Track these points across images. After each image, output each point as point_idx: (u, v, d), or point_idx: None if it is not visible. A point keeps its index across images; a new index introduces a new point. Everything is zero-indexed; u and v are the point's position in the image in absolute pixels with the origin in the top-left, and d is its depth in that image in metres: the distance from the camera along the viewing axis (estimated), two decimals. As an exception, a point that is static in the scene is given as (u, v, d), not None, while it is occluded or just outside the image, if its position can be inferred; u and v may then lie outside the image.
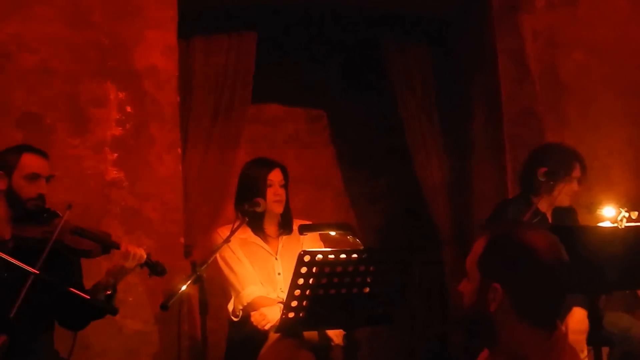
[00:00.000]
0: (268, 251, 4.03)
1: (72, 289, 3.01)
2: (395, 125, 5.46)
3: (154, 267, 3.39)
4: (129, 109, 4.31)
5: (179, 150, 4.44)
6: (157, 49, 4.39)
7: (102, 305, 3.26)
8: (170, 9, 4.45)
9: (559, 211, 4.30)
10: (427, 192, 5.36)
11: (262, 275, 3.95)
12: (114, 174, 4.26)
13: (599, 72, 5.10)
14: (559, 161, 4.26)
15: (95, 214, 4.12)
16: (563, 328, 3.90)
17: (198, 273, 3.24)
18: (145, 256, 3.34)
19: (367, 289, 3.30)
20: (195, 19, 4.81)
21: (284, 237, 4.09)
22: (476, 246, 2.03)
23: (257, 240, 4.04)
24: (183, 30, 4.64)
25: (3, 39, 4.16)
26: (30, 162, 3.34)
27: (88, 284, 3.48)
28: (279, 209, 4.02)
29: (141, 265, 3.36)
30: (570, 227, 3.95)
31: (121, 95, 4.31)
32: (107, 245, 3.36)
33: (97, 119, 4.26)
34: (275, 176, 4.02)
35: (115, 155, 4.27)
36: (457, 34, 5.50)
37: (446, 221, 5.32)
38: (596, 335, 3.53)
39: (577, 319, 3.95)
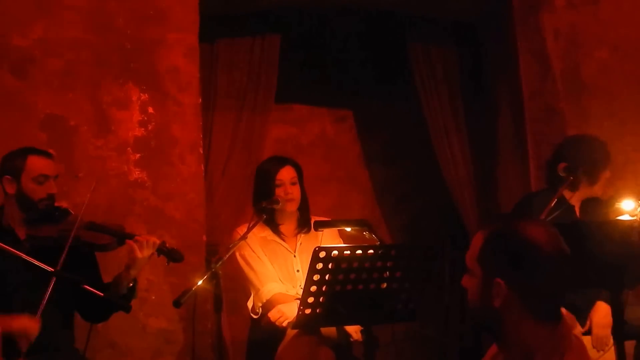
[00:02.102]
0: (287, 249, 3.95)
1: (86, 286, 2.97)
2: (420, 124, 5.36)
3: (170, 254, 3.32)
4: (151, 110, 4.26)
5: (201, 151, 4.37)
6: (179, 51, 4.34)
7: (116, 302, 3.19)
8: (192, 12, 4.40)
9: (587, 203, 4.12)
10: (453, 189, 5.25)
11: (282, 273, 3.87)
12: (136, 174, 4.21)
13: (621, 70, 4.97)
14: (578, 153, 4.09)
15: (119, 214, 4.06)
16: (588, 322, 3.80)
17: (213, 270, 3.15)
18: (158, 242, 3.28)
19: (385, 285, 3.19)
20: (219, 22, 4.77)
21: (303, 234, 3.98)
22: (475, 241, 1.98)
23: (276, 238, 3.96)
24: (207, 33, 4.60)
25: (28, 44, 4.14)
26: (36, 165, 3.31)
27: (107, 277, 3.44)
28: (291, 207, 3.92)
29: (158, 253, 3.30)
30: (589, 222, 3.81)
31: (143, 96, 4.26)
32: (122, 237, 3.31)
33: (119, 121, 4.21)
34: (285, 174, 3.91)
35: (138, 155, 4.22)
36: (482, 35, 5.44)
37: (473, 217, 5.19)
38: (620, 329, 3.39)
39: (602, 313, 3.82)
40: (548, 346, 1.88)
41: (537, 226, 1.96)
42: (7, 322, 2.99)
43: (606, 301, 3.79)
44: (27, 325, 2.97)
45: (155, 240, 3.28)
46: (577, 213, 4.11)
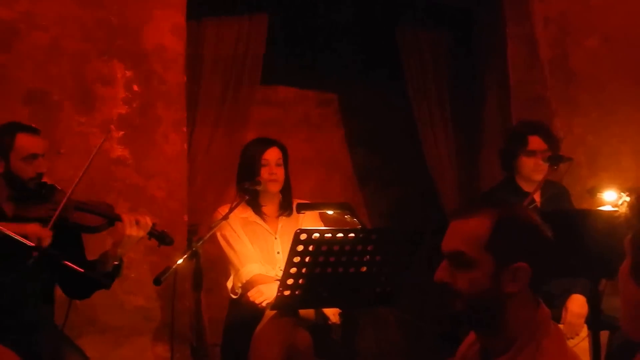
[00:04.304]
0: (268, 230, 3.98)
1: (67, 262, 2.98)
2: (406, 109, 5.38)
3: (162, 237, 3.35)
4: (135, 87, 4.27)
5: (185, 130, 4.39)
6: (166, 28, 4.34)
7: (96, 278, 3.21)
8: (179, -11, 4.39)
9: (550, 193, 4.20)
10: (435, 176, 5.29)
11: (262, 254, 3.91)
12: (119, 151, 4.22)
13: (610, 59, 5.01)
14: (511, 137, 4.27)
15: (100, 191, 4.07)
16: (563, 312, 3.88)
17: (194, 249, 3.18)
18: (150, 224, 3.30)
19: (364, 269, 3.23)
20: (206, 0, 4.75)
21: (284, 217, 4.02)
22: (473, 230, 1.91)
23: (257, 219, 3.99)
24: (194, 12, 4.59)
25: (14, 17, 4.11)
26: (26, 143, 3.27)
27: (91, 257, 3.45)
28: (274, 187, 3.95)
29: (149, 236, 3.32)
30: (571, 211, 3.88)
31: (128, 74, 4.26)
32: (112, 219, 3.32)
33: (104, 98, 4.21)
34: (271, 155, 3.94)
35: (122, 133, 4.23)
36: (471, 20, 5.45)
37: (454, 204, 5.19)
38: (596, 319, 3.47)
39: (578, 303, 3.91)
40: (529, 331, 1.89)
41: (529, 211, 2.00)
42: (20, 227, 2.97)
43: (582, 293, 3.88)
44: (40, 232, 2.98)
45: (149, 221, 3.29)
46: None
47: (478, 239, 1.90)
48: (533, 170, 4.14)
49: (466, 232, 1.93)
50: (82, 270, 3.02)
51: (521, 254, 1.89)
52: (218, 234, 3.84)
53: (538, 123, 4.28)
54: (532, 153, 4.15)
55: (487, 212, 1.93)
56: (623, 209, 3.21)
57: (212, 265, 4.26)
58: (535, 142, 4.15)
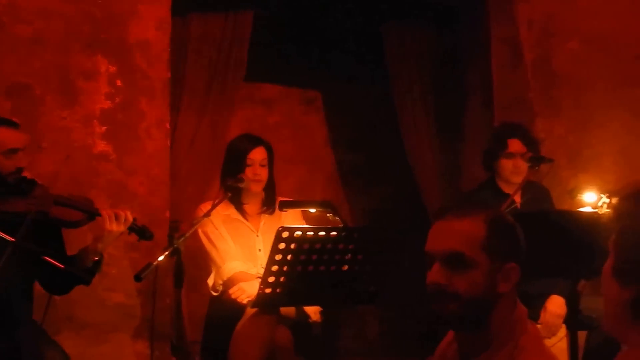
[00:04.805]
0: (250, 228, 3.97)
1: (47, 257, 2.97)
2: (390, 108, 5.40)
3: (142, 232, 3.35)
4: (119, 82, 4.26)
5: (168, 126, 4.38)
6: (150, 23, 4.33)
7: (76, 274, 3.20)
8: (165, -15, 4.38)
9: (531, 194, 4.23)
10: (418, 175, 5.32)
11: (244, 252, 3.89)
12: (102, 147, 4.21)
13: (594, 62, 5.03)
14: (492, 139, 4.32)
15: (82, 187, 4.05)
16: (542, 312, 3.91)
17: (175, 246, 3.16)
18: (131, 219, 3.30)
19: (346, 267, 3.24)
20: (192, -4, 4.75)
21: (266, 215, 4.02)
22: (470, 231, 1.91)
23: (239, 217, 3.97)
24: (179, 7, 4.59)
25: (-3, 10, 4.10)
26: (5, 137, 3.24)
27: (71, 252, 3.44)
28: (257, 187, 3.94)
29: (129, 231, 3.32)
30: (551, 212, 3.91)
31: (112, 68, 4.25)
32: (92, 213, 3.31)
33: (86, 92, 4.20)
34: (257, 155, 3.92)
35: (104, 128, 4.22)
36: (456, 20, 5.47)
37: (436, 204, 5.23)
38: (574, 319, 3.51)
39: (556, 303, 3.93)
40: (506, 330, 1.90)
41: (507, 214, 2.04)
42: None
43: (561, 294, 3.91)
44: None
45: (129, 216, 3.29)
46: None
47: (476, 240, 1.90)
48: (512, 172, 4.19)
49: (463, 232, 1.92)
50: (62, 265, 3.00)
51: (512, 255, 1.92)
52: (200, 231, 3.82)
53: (518, 125, 4.32)
54: (511, 155, 4.19)
55: (478, 213, 1.95)
56: (603, 211, 3.27)
57: (194, 262, 4.22)
58: (515, 145, 4.19)
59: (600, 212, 3.29)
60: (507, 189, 4.18)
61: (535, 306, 3.90)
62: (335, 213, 3.51)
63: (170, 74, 4.41)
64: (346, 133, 5.94)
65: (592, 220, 3.32)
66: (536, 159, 4.07)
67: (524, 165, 4.13)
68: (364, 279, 3.33)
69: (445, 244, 1.93)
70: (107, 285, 4.10)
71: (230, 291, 3.68)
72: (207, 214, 3.50)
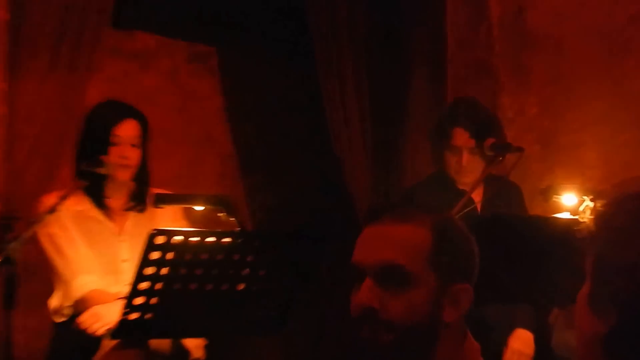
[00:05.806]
0: (111, 230, 3.93)
1: None
2: (310, 78, 5.44)
3: None
4: None
5: (4, 85, 4.35)
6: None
7: None
8: None
9: (495, 191, 4.27)
10: (343, 163, 5.40)
11: (102, 262, 3.85)
12: None
13: (577, 21, 5.13)
14: (435, 127, 4.36)
15: None
16: (504, 350, 3.97)
17: (6, 252, 3.13)
18: None
19: (243, 286, 3.26)
20: None
21: (135, 212, 3.97)
22: (412, 239, 1.94)
23: (98, 214, 3.92)
24: None
25: None
26: None
27: None
28: (123, 175, 3.88)
29: None
30: (517, 217, 3.95)
31: None
32: None
33: None
34: (126, 130, 3.86)
35: None
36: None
37: (367, 202, 5.30)
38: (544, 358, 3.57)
39: (522, 340, 3.99)
40: None
41: (460, 220, 2.05)
42: None
43: (527, 327, 3.97)
44: None
45: None
46: None
47: (420, 251, 1.94)
48: (456, 171, 4.19)
49: (403, 241, 1.95)
50: None
51: (464, 272, 1.96)
52: (41, 233, 3.75)
53: (470, 106, 4.29)
54: (455, 150, 4.18)
55: (422, 218, 1.97)
56: (585, 218, 3.31)
57: (32, 275, 4.16)
58: (460, 136, 4.16)
59: (581, 220, 3.33)
60: (463, 185, 4.20)
61: (492, 341, 3.95)
62: (230, 212, 3.52)
63: (9, 15, 4.34)
64: (249, 105, 5.98)
65: (570, 230, 3.36)
66: (501, 147, 4.09)
67: (474, 162, 4.12)
68: (266, 302, 3.36)
69: (380, 254, 1.95)
70: None
71: (81, 318, 3.62)
72: (53, 210, 3.47)
